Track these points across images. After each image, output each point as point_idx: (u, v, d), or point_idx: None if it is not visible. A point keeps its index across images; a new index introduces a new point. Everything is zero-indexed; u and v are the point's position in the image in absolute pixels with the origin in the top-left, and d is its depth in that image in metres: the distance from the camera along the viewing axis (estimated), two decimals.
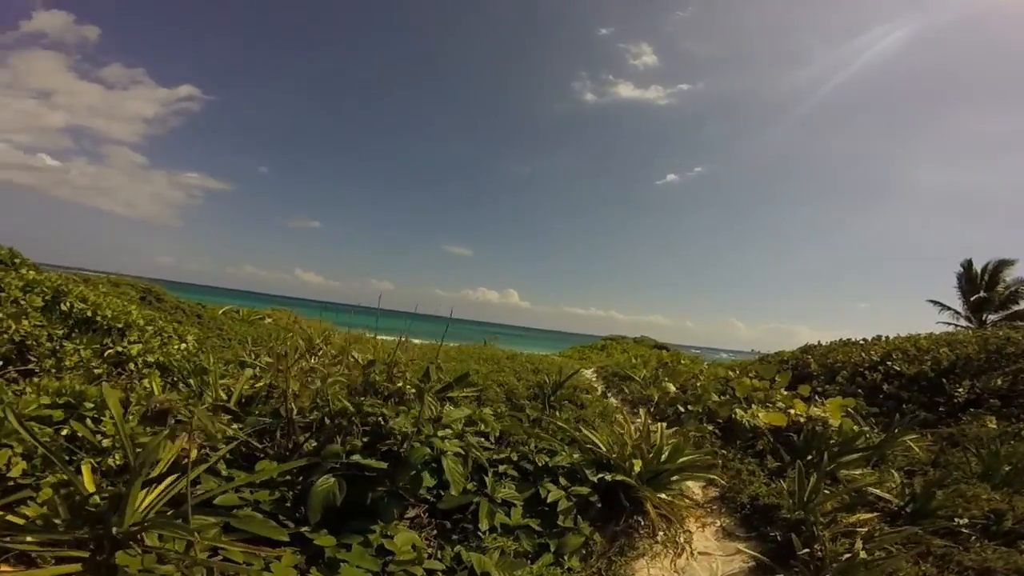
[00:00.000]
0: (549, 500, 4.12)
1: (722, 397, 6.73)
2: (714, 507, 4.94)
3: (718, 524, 4.68)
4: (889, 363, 12.62)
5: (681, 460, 4.59)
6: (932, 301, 25.55)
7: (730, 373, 8.66)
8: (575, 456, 4.67)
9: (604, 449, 4.74)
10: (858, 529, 3.98)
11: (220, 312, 13.98)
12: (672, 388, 6.90)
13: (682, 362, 13.54)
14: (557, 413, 5.87)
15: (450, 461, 3.63)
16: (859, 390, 12.47)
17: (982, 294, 23.76)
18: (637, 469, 4.43)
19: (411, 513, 3.69)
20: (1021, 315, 18.97)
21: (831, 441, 5.50)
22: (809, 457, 5.37)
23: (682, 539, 4.32)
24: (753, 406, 6.15)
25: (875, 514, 4.35)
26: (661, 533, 4.34)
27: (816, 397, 11.15)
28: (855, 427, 6.28)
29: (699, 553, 4.23)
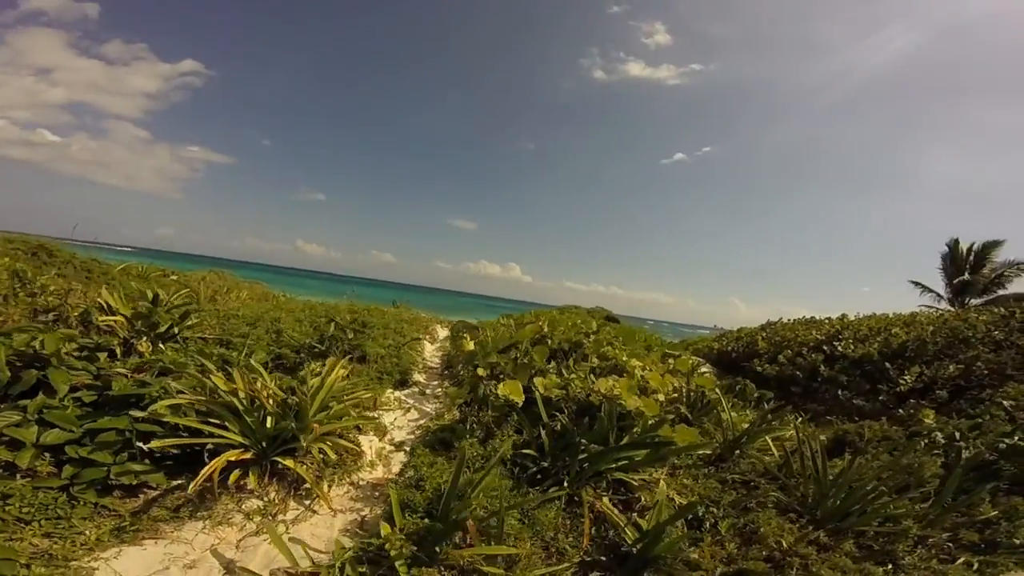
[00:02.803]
0: None
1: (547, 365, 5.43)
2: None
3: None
4: (836, 344, 11.31)
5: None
6: (914, 282, 24.13)
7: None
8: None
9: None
10: None
11: (117, 269, 13.48)
12: (471, 347, 5.59)
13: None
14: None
15: None
16: (797, 372, 11.22)
17: (966, 276, 22.33)
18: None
19: None
20: (1005, 300, 17.55)
21: (615, 425, 4.19)
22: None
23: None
24: (550, 376, 4.83)
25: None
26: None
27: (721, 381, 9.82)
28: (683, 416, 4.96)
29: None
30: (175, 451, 3.43)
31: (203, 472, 3.15)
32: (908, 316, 12.29)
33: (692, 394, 6.04)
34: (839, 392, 10.03)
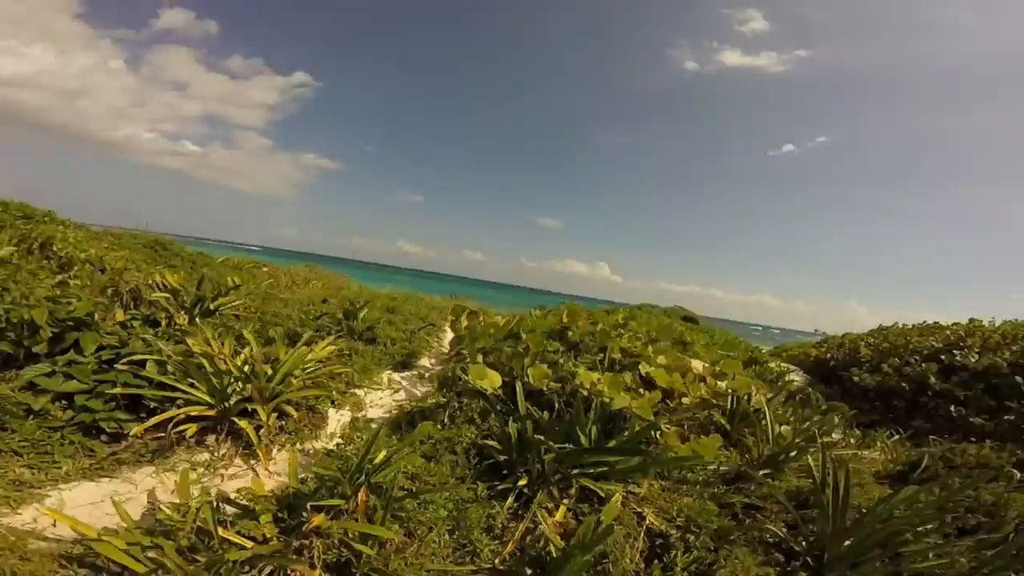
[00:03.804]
0: None
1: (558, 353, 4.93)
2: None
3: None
4: (955, 353, 9.40)
5: None
6: None
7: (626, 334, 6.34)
8: None
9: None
10: None
11: (218, 261, 15.16)
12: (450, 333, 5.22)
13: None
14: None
15: None
16: (903, 383, 9.52)
17: None
18: None
19: None
20: None
21: (592, 423, 3.61)
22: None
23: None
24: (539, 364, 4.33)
25: None
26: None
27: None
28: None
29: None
30: (154, 404, 3.67)
31: (153, 420, 3.39)
32: None
33: (736, 400, 5.21)
34: (951, 408, 8.29)
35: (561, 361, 4.65)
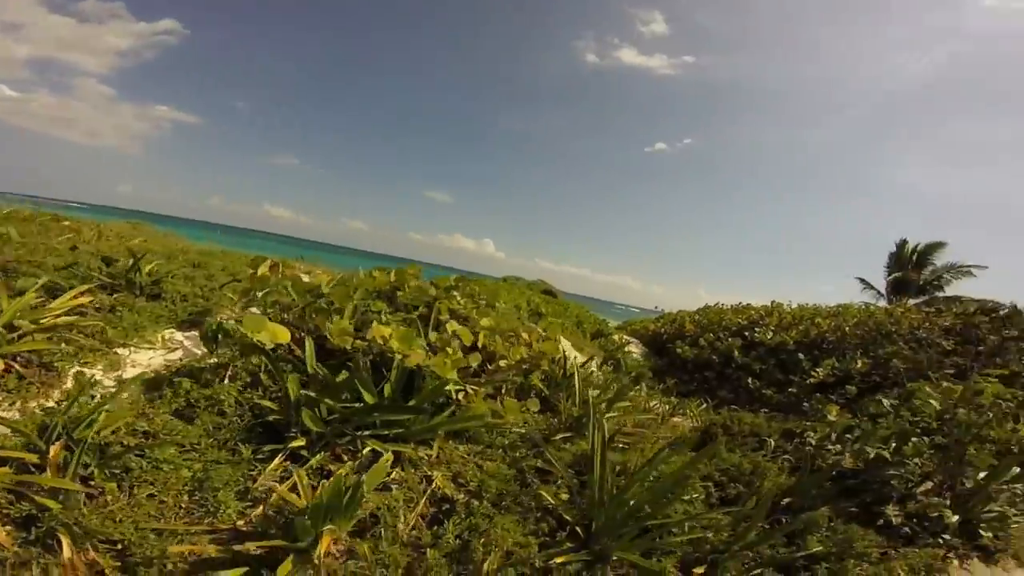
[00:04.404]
0: None
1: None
2: None
3: None
4: (756, 330, 10.71)
5: None
6: (860, 279, 24.10)
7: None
8: None
9: None
10: None
11: (3, 213, 12.05)
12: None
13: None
14: None
15: None
16: (713, 356, 10.62)
17: (904, 274, 22.37)
18: None
19: None
20: (939, 302, 17.49)
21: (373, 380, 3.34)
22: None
23: None
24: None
25: None
26: None
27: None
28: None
29: None
30: None
31: None
32: (836, 307, 11.78)
33: (559, 366, 5.12)
34: (749, 380, 9.46)
35: (383, 320, 4.15)
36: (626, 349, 13.20)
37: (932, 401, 4.44)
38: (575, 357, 5.17)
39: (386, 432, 3.16)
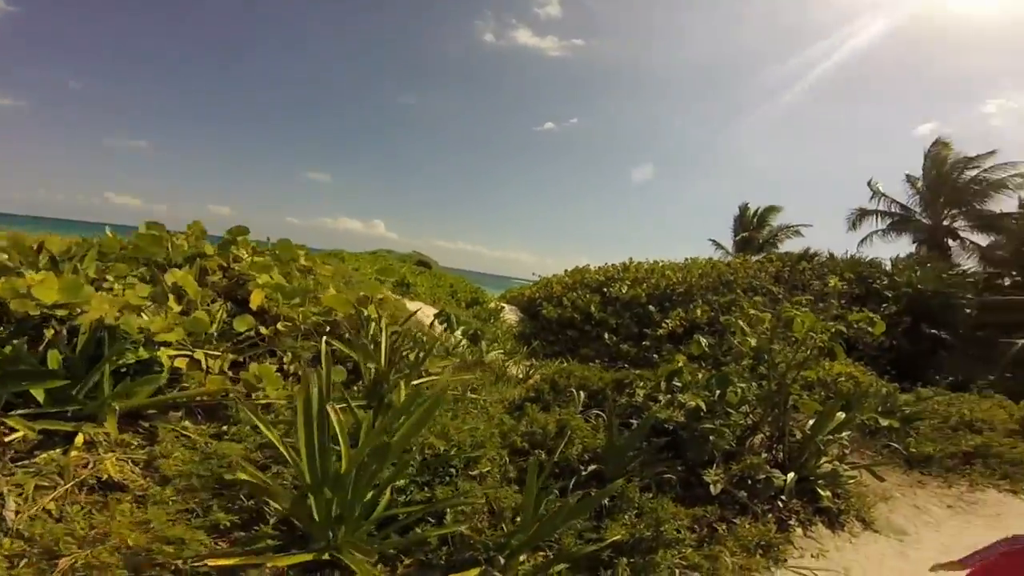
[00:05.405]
0: None
1: None
2: None
3: None
4: (612, 285, 10.86)
5: None
6: (712, 240, 26.39)
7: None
8: None
9: None
10: None
11: None
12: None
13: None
14: None
15: None
16: (575, 315, 10.56)
17: (748, 234, 24.91)
18: None
19: None
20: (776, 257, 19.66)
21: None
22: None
23: None
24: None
25: None
26: None
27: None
28: None
29: None
30: None
31: None
32: (684, 261, 12.42)
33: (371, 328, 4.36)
34: (606, 336, 9.56)
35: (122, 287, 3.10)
36: (502, 315, 12.92)
37: (749, 338, 4.36)
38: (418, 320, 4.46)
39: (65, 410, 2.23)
